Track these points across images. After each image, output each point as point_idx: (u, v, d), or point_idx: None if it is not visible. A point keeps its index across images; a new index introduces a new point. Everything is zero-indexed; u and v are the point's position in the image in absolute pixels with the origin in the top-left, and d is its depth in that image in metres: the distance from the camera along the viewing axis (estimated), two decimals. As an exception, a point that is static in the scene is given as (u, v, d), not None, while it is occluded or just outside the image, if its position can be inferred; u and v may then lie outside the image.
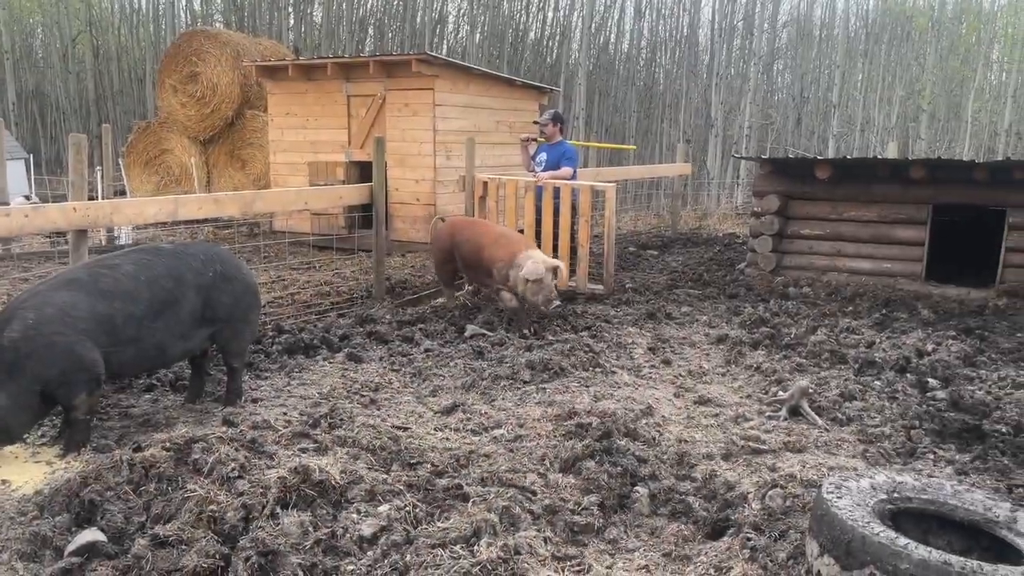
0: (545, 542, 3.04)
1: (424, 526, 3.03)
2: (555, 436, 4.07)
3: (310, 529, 2.91)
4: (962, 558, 2.47)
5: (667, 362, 5.72)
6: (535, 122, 9.06)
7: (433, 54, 10.95)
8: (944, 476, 3.76)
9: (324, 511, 3.09)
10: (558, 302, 6.25)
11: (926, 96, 15.86)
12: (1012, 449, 4.11)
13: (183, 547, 2.81)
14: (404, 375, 5.26)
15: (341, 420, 4.15)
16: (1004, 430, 4.33)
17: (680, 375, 5.44)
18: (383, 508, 3.12)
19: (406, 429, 4.16)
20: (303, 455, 3.58)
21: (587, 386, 5.01)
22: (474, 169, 8.03)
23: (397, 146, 10.69)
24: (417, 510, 3.13)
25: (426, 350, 5.78)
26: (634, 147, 9.53)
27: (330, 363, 5.44)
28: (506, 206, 7.69)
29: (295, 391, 4.84)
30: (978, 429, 4.35)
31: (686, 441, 4.14)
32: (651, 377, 5.38)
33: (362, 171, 10.77)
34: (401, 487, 3.32)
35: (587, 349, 5.74)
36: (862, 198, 8.62)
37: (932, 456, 4.06)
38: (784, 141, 16.94)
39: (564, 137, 8.14)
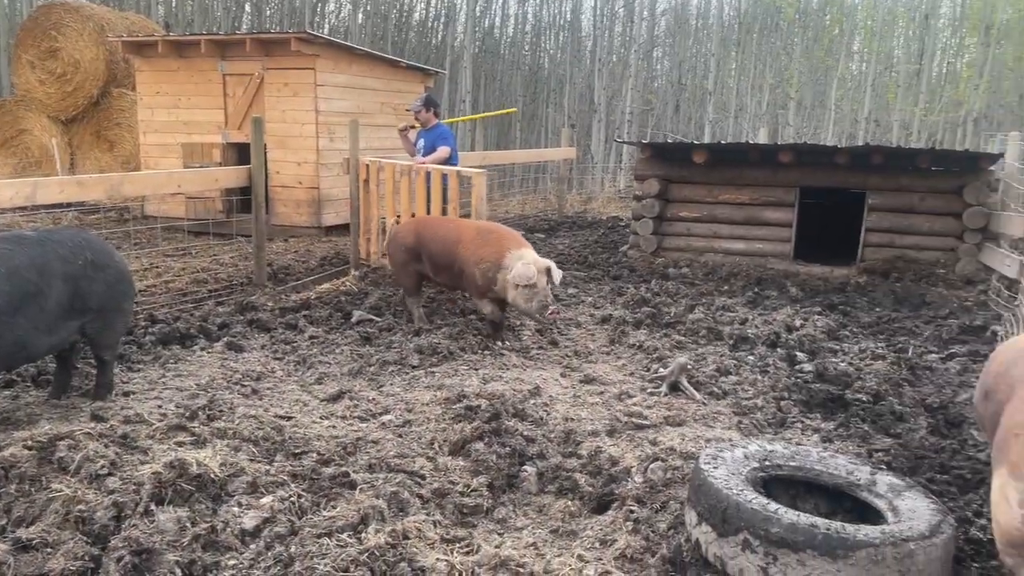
0: (434, 525, 3.03)
1: (310, 516, 2.97)
2: (444, 420, 4.06)
3: (188, 525, 2.79)
4: (827, 520, 2.63)
5: (554, 343, 5.81)
6: (408, 109, 8.87)
7: (314, 33, 10.64)
8: (811, 444, 3.99)
9: (203, 506, 2.97)
10: (555, 307, 5.39)
11: (794, 84, 16.69)
12: (871, 416, 4.41)
13: (48, 550, 2.64)
14: (288, 363, 5.12)
15: (221, 411, 4.00)
16: (864, 399, 4.64)
17: (567, 355, 5.54)
18: (266, 500, 3.03)
19: (290, 418, 4.06)
20: (180, 449, 3.43)
21: (476, 369, 5.02)
22: (359, 152, 7.88)
23: (277, 127, 10.35)
24: (302, 500, 3.06)
25: (311, 337, 5.65)
26: (514, 109, 9.42)
27: (208, 353, 5.23)
28: (385, 190, 7.57)
29: (171, 383, 4.62)
30: (841, 399, 4.64)
31: (572, 419, 4.22)
32: (539, 358, 5.45)
33: (240, 153, 10.38)
34: (285, 478, 3.24)
35: (476, 332, 5.76)
36: (736, 182, 9.00)
37: (800, 425, 4.30)
38: (664, 126, 17.46)
39: (440, 119, 8.04)
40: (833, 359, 5.40)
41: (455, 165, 7.72)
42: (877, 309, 7.11)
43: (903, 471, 3.66)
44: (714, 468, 2.93)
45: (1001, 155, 8.31)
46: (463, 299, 6.75)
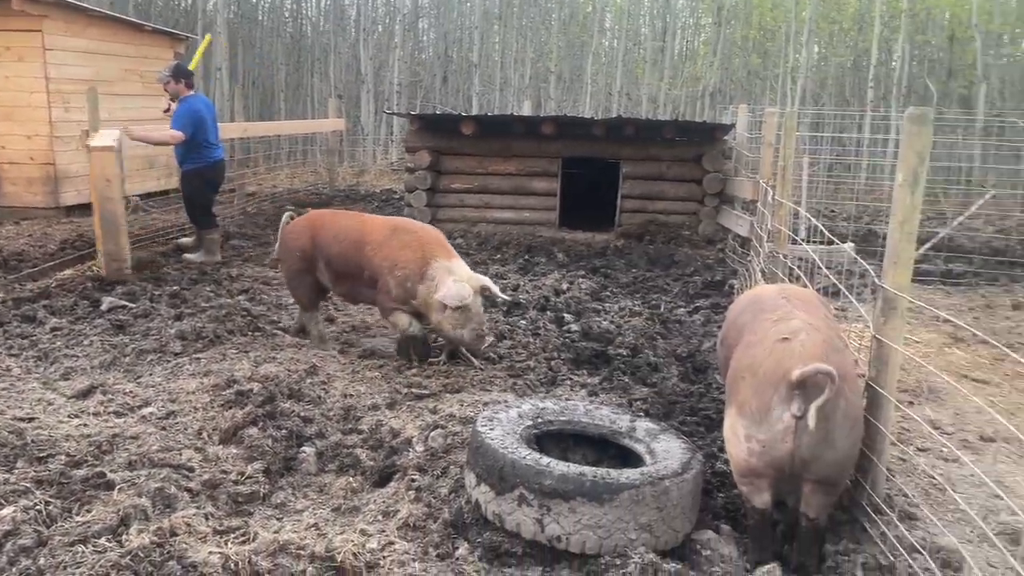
0: (207, 518, 2.88)
1: (60, 523, 2.70)
2: (213, 407, 3.84)
3: (-94, 553, 2.43)
4: (594, 468, 2.81)
5: (331, 319, 5.68)
6: (157, 80, 8.03)
7: (38, -11, 9.44)
8: (579, 398, 4.24)
9: (-75, 528, 2.60)
10: (491, 337, 4.56)
11: (553, 59, 17.39)
12: (631, 369, 4.77)
13: None
14: (26, 359, 4.58)
15: (-57, 420, 3.50)
16: (624, 353, 5.01)
17: (344, 331, 5.44)
18: (7, 511, 2.71)
19: (32, 420, 3.63)
20: None
21: (247, 351, 4.78)
22: (99, 123, 7.14)
23: (1, 96, 9.13)
24: (50, 507, 2.77)
25: (53, 329, 5.09)
26: (208, 37, 8.78)
27: (-76, 354, 4.55)
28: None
29: None
30: (605, 354, 4.97)
31: (352, 395, 4.17)
32: (313, 336, 5.30)
33: (-47, 125, 9.03)
34: (29, 485, 2.91)
35: (245, 313, 5.48)
36: (504, 153, 9.26)
37: (570, 382, 4.55)
38: (433, 98, 17.52)
39: (193, 91, 7.34)
40: (596, 318, 5.76)
41: (210, 142, 7.20)
42: (633, 270, 7.66)
43: (659, 416, 4.00)
44: (490, 430, 3.02)
45: (732, 126, 9.23)
46: (229, 280, 6.39)
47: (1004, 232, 9.05)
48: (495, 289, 4.47)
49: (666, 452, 3.02)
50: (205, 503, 3.01)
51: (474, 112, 13.73)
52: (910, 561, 2.65)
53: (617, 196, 9.27)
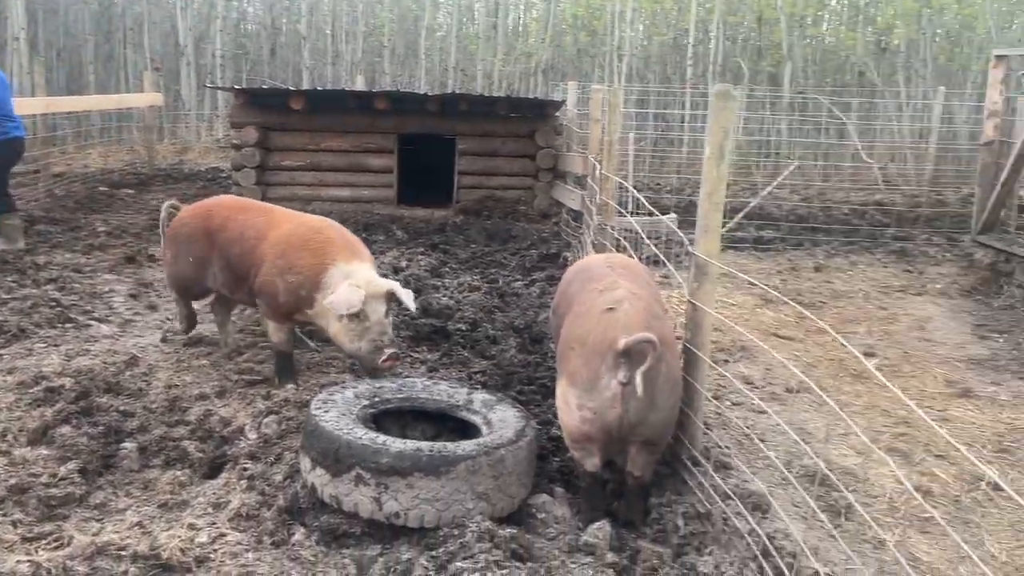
0: (14, 525, 2.67)
1: None
2: (19, 407, 3.56)
3: None
4: (432, 443, 2.84)
5: (153, 307, 5.37)
6: None
7: None
8: (419, 375, 4.24)
9: None
10: (393, 350, 3.73)
11: (386, 33, 17.10)
12: (470, 343, 4.83)
13: None
14: None
15: None
16: (464, 328, 5.06)
17: (168, 319, 5.15)
18: None
19: None
20: None
21: (56, 345, 4.44)
22: None
23: None
24: None
25: None
26: None
27: None
28: None
29: None
30: (444, 330, 4.99)
31: (177, 386, 3.97)
32: (135, 325, 4.99)
33: None
34: None
35: (53, 304, 5.07)
36: (337, 129, 9.04)
37: (410, 359, 4.54)
38: (261, 72, 16.76)
39: None
40: (436, 295, 5.77)
41: (4, 117, 6.55)
42: (472, 245, 7.73)
43: (498, 387, 4.08)
44: (325, 412, 2.97)
45: (563, 102, 9.47)
46: (34, 269, 5.87)
47: (807, 200, 9.87)
48: (403, 295, 3.78)
49: (502, 422, 3.09)
50: (12, 510, 2.79)
51: (304, 87, 13.29)
52: (724, 507, 2.86)
53: (454, 172, 9.30)
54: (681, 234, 3.80)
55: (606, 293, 2.99)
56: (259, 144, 8.81)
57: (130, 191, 10.00)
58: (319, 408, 3.01)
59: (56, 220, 7.80)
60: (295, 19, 17.47)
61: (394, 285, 3.77)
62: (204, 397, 3.86)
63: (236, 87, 9.17)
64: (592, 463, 2.92)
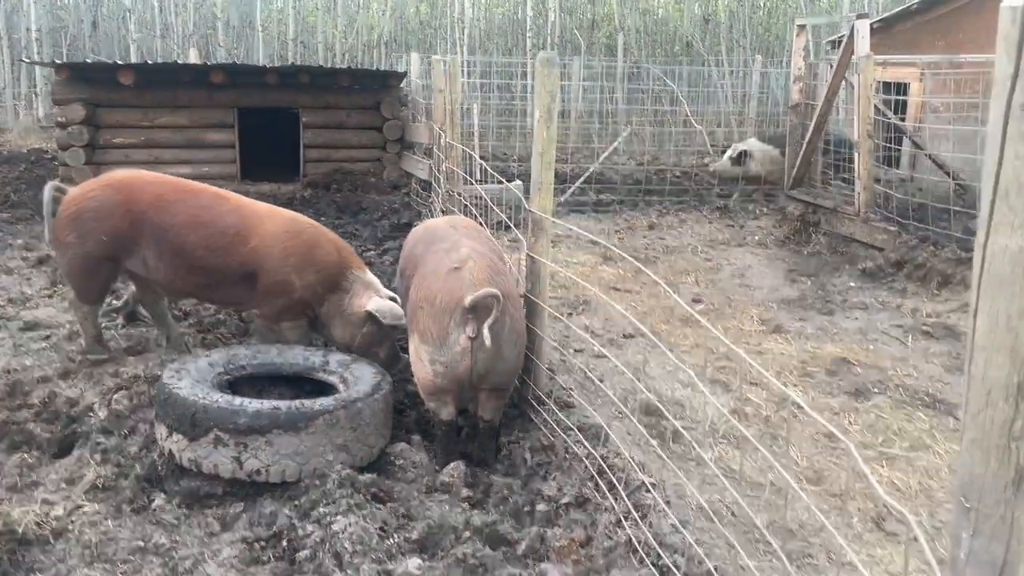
0: None
1: None
2: None
3: None
4: (289, 401, 2.95)
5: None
6: None
7: None
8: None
9: None
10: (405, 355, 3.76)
11: (219, 5, 16.41)
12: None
13: None
14: None
15: None
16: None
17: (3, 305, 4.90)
18: None
19: None
20: None
21: None
22: None
23: None
24: None
25: None
26: None
27: None
28: None
29: None
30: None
31: (16, 370, 3.84)
32: (-41, 314, 4.72)
33: None
34: None
35: None
36: (171, 104, 8.70)
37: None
38: (83, 46, 15.65)
39: None
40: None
41: None
42: (323, 219, 7.68)
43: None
44: (178, 380, 3.01)
45: (405, 73, 9.53)
46: None
47: (641, 164, 10.45)
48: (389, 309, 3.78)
49: (358, 379, 3.23)
50: None
51: (132, 60, 12.60)
52: (566, 439, 3.15)
53: (300, 146, 9.18)
54: (525, 202, 4.04)
55: (451, 253, 3.18)
56: (86, 122, 8.34)
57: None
58: (171, 377, 3.04)
59: None
60: (117, -12, 16.43)
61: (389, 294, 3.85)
62: (47, 379, 3.76)
63: (57, 62, 8.62)
64: (447, 412, 3.13)
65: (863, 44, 6.38)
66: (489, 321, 2.87)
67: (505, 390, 3.19)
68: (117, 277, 4.05)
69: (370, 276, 3.88)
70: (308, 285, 3.75)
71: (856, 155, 6.67)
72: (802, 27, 7.60)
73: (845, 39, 6.73)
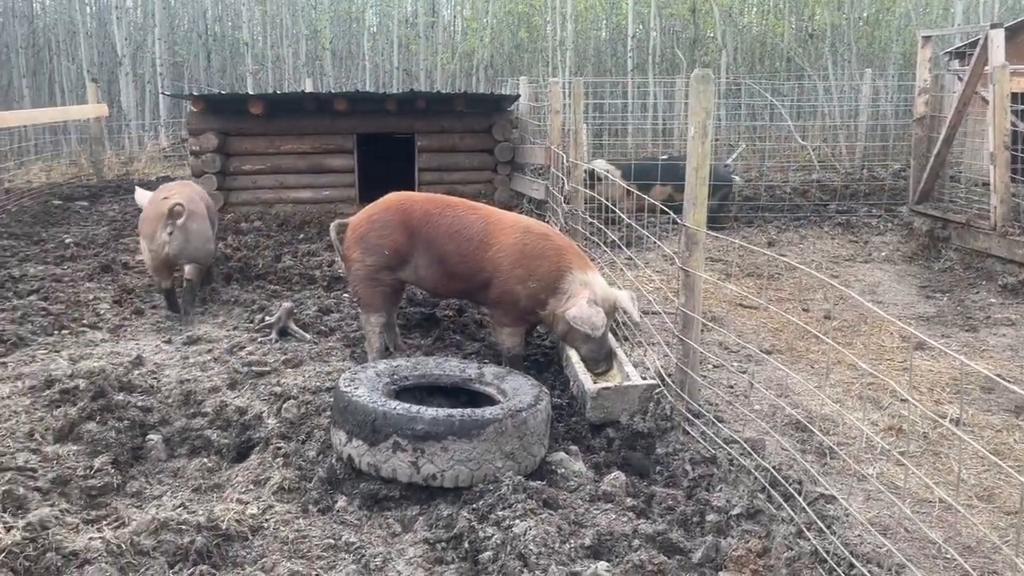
0: (64, 513, 2.80)
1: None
2: (36, 409, 3.64)
3: None
4: (460, 409, 3.06)
5: (139, 312, 5.43)
6: None
7: None
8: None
9: None
10: (607, 366, 3.86)
11: (326, 36, 17.11)
12: (459, 327, 5.05)
13: None
14: None
15: None
16: (450, 314, 5.28)
17: (158, 321, 5.23)
18: None
19: None
20: None
21: (58, 350, 4.51)
22: None
23: None
24: None
25: None
26: None
27: None
28: None
29: None
30: (433, 317, 5.20)
31: (188, 380, 4.09)
32: (128, 328, 5.07)
33: None
34: None
35: (44, 312, 5.11)
36: (296, 132, 9.11)
37: (405, 346, 4.74)
38: (199, 79, 16.60)
39: None
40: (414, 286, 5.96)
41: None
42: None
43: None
44: (355, 388, 3.16)
45: (518, 96, 9.72)
46: (12, 282, 5.87)
47: (751, 181, 10.31)
48: (630, 305, 3.84)
49: (516, 390, 3.33)
50: (58, 500, 2.92)
51: (250, 91, 13.24)
52: (729, 451, 3.16)
53: (414, 170, 9.46)
54: (669, 210, 4.08)
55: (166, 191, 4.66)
56: (219, 150, 8.83)
57: (83, 203, 9.88)
58: (348, 385, 3.20)
59: (17, 235, 7.73)
60: (232, 26, 17.34)
61: (621, 295, 3.88)
62: (216, 390, 3.99)
63: (194, 94, 9.16)
64: (165, 283, 5.21)
65: (998, 54, 6.18)
66: (180, 221, 4.87)
67: (201, 263, 5.27)
68: (394, 287, 4.34)
69: (590, 276, 3.90)
70: (531, 294, 3.91)
71: (992, 168, 6.44)
72: (927, 38, 7.41)
73: (978, 49, 6.52)
